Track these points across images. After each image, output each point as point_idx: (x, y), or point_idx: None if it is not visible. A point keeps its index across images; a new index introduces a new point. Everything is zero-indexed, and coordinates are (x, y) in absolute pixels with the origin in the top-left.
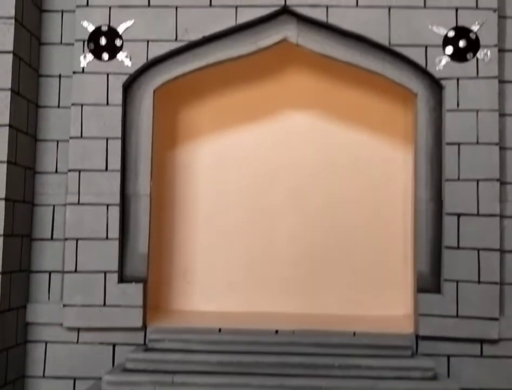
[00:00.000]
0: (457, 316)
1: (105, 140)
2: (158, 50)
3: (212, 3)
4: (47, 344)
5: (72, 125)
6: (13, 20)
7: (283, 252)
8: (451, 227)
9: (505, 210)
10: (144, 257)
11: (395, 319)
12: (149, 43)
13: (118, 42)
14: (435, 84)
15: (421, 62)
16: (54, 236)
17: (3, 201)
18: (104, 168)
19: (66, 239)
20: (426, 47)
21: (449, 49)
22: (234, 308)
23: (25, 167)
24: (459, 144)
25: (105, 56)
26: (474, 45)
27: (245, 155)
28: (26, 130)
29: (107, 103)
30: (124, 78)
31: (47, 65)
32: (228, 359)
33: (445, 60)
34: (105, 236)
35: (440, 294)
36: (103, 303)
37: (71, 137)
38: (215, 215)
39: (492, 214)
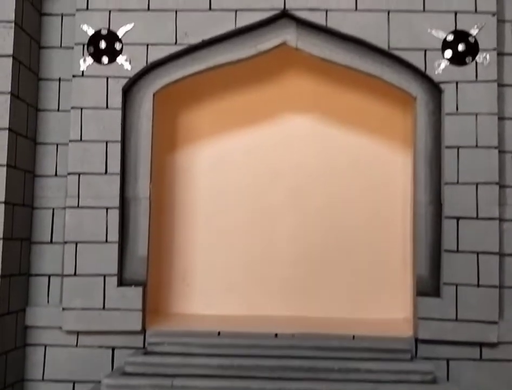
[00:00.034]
0: (456, 319)
1: (105, 143)
2: (157, 53)
3: (212, 7)
4: (47, 348)
5: (72, 128)
6: (13, 24)
7: (283, 256)
8: (450, 230)
9: (504, 214)
10: (143, 260)
11: (395, 322)
12: (149, 46)
13: (117, 46)
14: (434, 88)
15: (421, 66)
16: (53, 240)
17: (3, 205)
18: (104, 171)
19: (65, 242)
20: (425, 51)
21: (448, 53)
22: (234, 311)
23: (24, 170)
24: (458, 147)
25: (105, 59)
26: (473, 49)
27: (244, 159)
28: (25, 134)
29: (107, 107)
30: (124, 81)
31: (47, 69)
32: (227, 363)
33: (444, 64)
34: (104, 239)
35: (439, 298)
36: (102, 306)
37: (70, 141)
38: (214, 219)
39: (491, 217)
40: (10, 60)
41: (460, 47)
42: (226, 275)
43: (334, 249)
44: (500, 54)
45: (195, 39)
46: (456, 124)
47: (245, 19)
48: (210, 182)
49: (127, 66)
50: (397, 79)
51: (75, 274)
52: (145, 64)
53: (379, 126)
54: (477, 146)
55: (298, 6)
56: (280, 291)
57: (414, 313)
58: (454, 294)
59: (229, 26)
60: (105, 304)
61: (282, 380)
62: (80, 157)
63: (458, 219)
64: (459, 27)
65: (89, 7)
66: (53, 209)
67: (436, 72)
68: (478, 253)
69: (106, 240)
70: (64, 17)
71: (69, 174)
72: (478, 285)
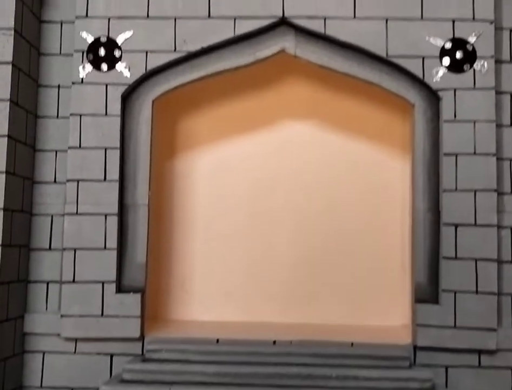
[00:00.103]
0: (455, 326)
1: (104, 150)
2: (157, 60)
3: (211, 15)
4: (45, 354)
5: (71, 135)
6: (12, 31)
7: (282, 263)
8: (448, 237)
9: (503, 221)
10: (142, 266)
11: (394, 329)
12: (148, 53)
13: (117, 53)
14: (432, 95)
15: (419, 73)
16: (52, 246)
17: (1, 211)
18: (103, 178)
19: (64, 249)
20: (423, 58)
21: (446, 60)
22: (232, 318)
23: (23, 177)
24: (456, 154)
25: (104, 66)
26: (471, 57)
27: (243, 165)
28: (24, 140)
29: (106, 114)
30: (123, 88)
31: (47, 76)
32: (225, 370)
33: (442, 71)
34: (103, 246)
35: (438, 305)
36: (100, 313)
37: (69, 147)
38: (213, 225)
39: (490, 224)
40: (10, 67)
41: (458, 54)
42: (225, 282)
43: (332, 256)
44: (498, 61)
45: (194, 47)
46: (454, 131)
47: (244, 27)
48: (209, 188)
49: (126, 73)
50: (395, 87)
51: (74, 281)
52: (144, 71)
53: (377, 133)
54: (475, 153)
55: (297, 14)
56: (278, 297)
57: (413, 320)
58: (452, 301)
59: (228, 34)
60: (104, 311)
61: (280, 387)
62: (79, 164)
63: (456, 226)
64: (457, 35)
65: (89, 15)
66: (52, 215)
67: (434, 80)
68: (476, 260)
69: (105, 247)
70: (63, 24)
71: (68, 180)
72: (477, 292)
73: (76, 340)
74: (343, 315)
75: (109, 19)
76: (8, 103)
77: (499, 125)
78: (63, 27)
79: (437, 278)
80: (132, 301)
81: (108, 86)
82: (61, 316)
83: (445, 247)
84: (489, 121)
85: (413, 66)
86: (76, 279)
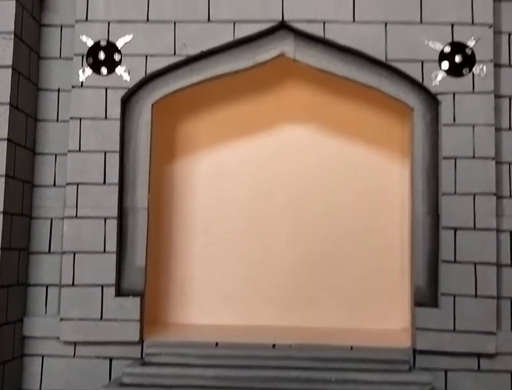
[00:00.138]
0: (454, 330)
1: (103, 154)
2: (156, 64)
3: (211, 19)
4: (44, 358)
5: (71, 139)
6: (12, 35)
7: (281, 266)
8: (447, 241)
9: (502, 225)
10: (141, 270)
11: (393, 333)
12: (148, 57)
13: (116, 57)
14: (431, 99)
15: (418, 77)
16: (52, 250)
17: (1, 215)
18: (102, 181)
19: (63, 253)
20: (422, 62)
21: (445, 64)
22: (232, 321)
23: (23, 180)
24: (455, 158)
25: (104, 70)
26: (470, 60)
27: (243, 169)
28: (24, 144)
29: (106, 117)
30: (123, 92)
31: (46, 79)
32: (224, 374)
33: (441, 75)
34: (102, 249)
35: (437, 308)
36: (100, 317)
37: (69, 151)
38: (212, 228)
39: (489, 228)
40: (9, 71)
41: (457, 58)
42: (224, 286)
43: (331, 260)
44: (497, 65)
45: (193, 50)
46: (453, 135)
47: (244, 31)
48: (209, 192)
49: (126, 77)
50: (395, 91)
51: (73, 284)
52: (144, 75)
53: (376, 137)
54: (474, 157)
55: (296, 18)
56: (278, 301)
57: (412, 324)
58: (452, 305)
59: (227, 38)
60: (103, 315)
61: None
62: (78, 168)
63: (455, 229)
64: (456, 39)
65: (88, 19)
66: (52, 219)
67: (433, 84)
68: (475, 264)
69: (104, 250)
70: (63, 28)
71: (68, 184)
72: (476, 296)
73: (75, 344)
74: (343, 319)
75: (108, 23)
76: (8, 106)
77: (498, 129)
78: (62, 31)
79: (436, 281)
80: (131, 305)
81: (108, 90)
82: (61, 319)
83: (444, 250)
84: (488, 125)
85: (412, 70)
86: (75, 283)
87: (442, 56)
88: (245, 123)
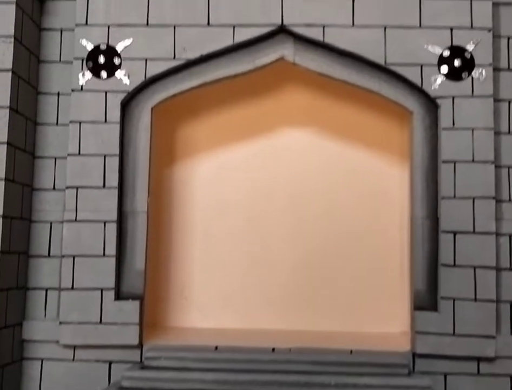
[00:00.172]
0: (454, 333)
1: (103, 157)
2: (156, 68)
3: (210, 22)
4: (43, 362)
5: (70, 142)
6: (12, 39)
7: (280, 270)
8: (447, 244)
9: (501, 228)
10: (141, 273)
11: (393, 336)
12: (147, 61)
13: (116, 60)
14: (430, 103)
15: (417, 81)
16: (51, 253)
17: (0, 218)
18: (102, 185)
19: (63, 256)
20: (421, 66)
21: (444, 68)
22: (231, 325)
23: (22, 184)
24: (454, 162)
25: (104, 74)
26: (469, 64)
27: (242, 173)
28: (24, 148)
29: (106, 121)
30: (122, 96)
31: (46, 83)
32: (224, 378)
33: (440, 79)
34: (102, 253)
35: (436, 312)
36: (99, 320)
37: (69, 154)
38: (212, 232)
39: (488, 232)
40: (9, 74)
41: (456, 62)
42: (224, 289)
43: (331, 264)
44: (496, 69)
45: (193, 54)
46: (452, 139)
47: (243, 35)
48: (208, 195)
49: (126, 80)
50: (394, 94)
51: (72, 288)
52: (143, 79)
53: (376, 140)
54: (474, 161)
55: (295, 22)
56: (278, 304)
57: (412, 327)
58: (451, 308)
59: (227, 42)
60: (102, 318)
61: None
62: (78, 171)
63: (454, 233)
64: (455, 43)
65: (88, 23)
66: (51, 223)
67: (432, 87)
68: (475, 268)
69: (104, 254)
70: (63, 32)
71: (67, 187)
72: (475, 300)
73: (74, 347)
74: (342, 322)
75: (108, 27)
76: (8, 110)
77: (497, 133)
78: (62, 35)
79: (435, 285)
80: (131, 309)
81: (108, 94)
82: (60, 323)
83: (443, 254)
84: (487, 129)
85: (412, 74)
86: (74, 286)
87: (442, 60)
88: (245, 126)
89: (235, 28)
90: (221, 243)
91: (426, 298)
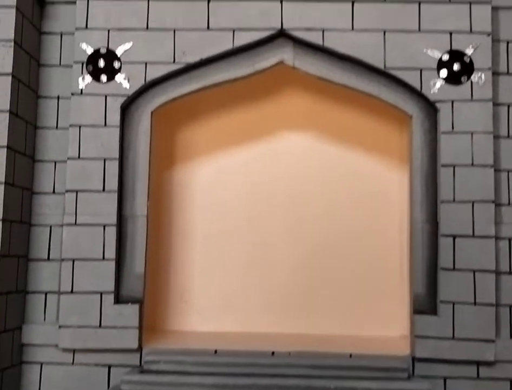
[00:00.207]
0: (453, 337)
1: (103, 161)
2: (156, 72)
3: (210, 26)
4: (43, 365)
5: (70, 146)
6: (12, 43)
7: (280, 274)
8: (446, 248)
9: (500, 232)
10: (140, 277)
11: (392, 340)
12: (147, 65)
13: (116, 64)
14: (430, 107)
15: (416, 85)
16: (51, 257)
17: (0, 222)
18: (102, 188)
19: (62, 260)
20: (421, 70)
21: (444, 72)
22: (231, 328)
23: (22, 187)
24: (454, 166)
25: (104, 77)
26: (468, 69)
27: (242, 176)
28: (24, 151)
29: (105, 124)
30: (122, 99)
31: (46, 87)
32: (223, 381)
33: (439, 83)
34: (101, 257)
35: (436, 316)
36: (98, 324)
37: (68, 158)
38: (212, 236)
39: (488, 235)
40: (9, 78)
41: (456, 66)
42: (224, 293)
43: (331, 267)
44: (495, 73)
45: (193, 58)
46: (452, 142)
47: (243, 39)
48: (208, 199)
49: (125, 84)
50: (393, 98)
51: (72, 291)
52: (143, 83)
53: (375, 144)
54: (473, 164)
55: (295, 26)
56: (277, 308)
57: (411, 331)
58: (451, 312)
59: (227, 46)
60: (102, 322)
61: None
62: (78, 175)
63: (454, 237)
64: (455, 47)
65: (88, 26)
66: (51, 226)
67: (432, 91)
68: (474, 271)
69: (104, 258)
70: (63, 36)
71: (67, 191)
72: (475, 303)
73: (74, 351)
74: (342, 326)
75: (108, 31)
76: (7, 114)
77: (496, 137)
78: (62, 39)
79: (435, 289)
80: (130, 312)
81: (107, 98)
82: (60, 326)
83: (443, 258)
84: (487, 133)
85: (411, 78)
86: (74, 290)
87: (441, 64)
88: (244, 130)
89: (235, 32)
90: (221, 247)
91: (426, 302)
